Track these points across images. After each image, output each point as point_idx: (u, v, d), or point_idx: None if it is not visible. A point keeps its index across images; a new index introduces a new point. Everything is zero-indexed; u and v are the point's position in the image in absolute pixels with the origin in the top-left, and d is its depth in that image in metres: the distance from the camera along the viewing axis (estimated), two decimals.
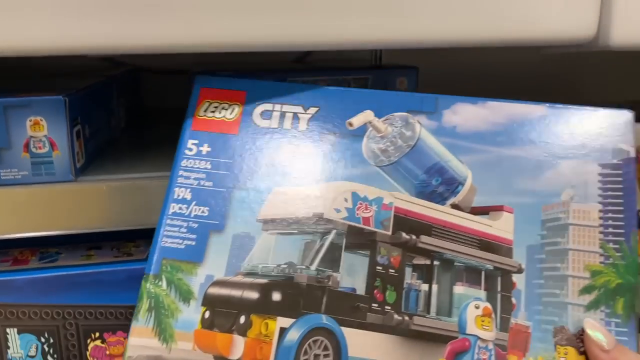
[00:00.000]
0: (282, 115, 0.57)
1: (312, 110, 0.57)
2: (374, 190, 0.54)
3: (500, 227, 0.52)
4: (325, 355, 0.50)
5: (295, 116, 0.57)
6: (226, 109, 0.58)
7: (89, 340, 0.73)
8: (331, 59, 1.10)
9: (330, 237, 0.54)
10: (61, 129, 0.64)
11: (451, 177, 0.54)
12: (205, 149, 0.57)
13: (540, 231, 0.51)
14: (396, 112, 0.56)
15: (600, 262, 0.50)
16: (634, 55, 0.73)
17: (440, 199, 0.54)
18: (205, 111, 0.58)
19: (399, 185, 0.54)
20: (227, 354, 0.51)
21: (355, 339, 0.50)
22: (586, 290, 0.49)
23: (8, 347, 0.69)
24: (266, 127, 0.57)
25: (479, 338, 0.49)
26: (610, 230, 0.50)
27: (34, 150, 0.65)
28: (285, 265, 0.53)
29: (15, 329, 0.69)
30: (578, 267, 0.50)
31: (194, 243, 0.54)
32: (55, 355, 0.70)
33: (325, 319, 0.50)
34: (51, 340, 0.69)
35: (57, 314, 0.69)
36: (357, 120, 0.56)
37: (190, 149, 0.57)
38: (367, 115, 0.56)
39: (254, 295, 0.52)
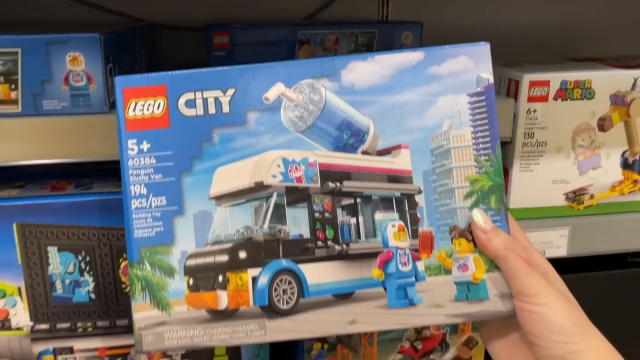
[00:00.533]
0: (205, 101, 0.65)
1: (230, 91, 0.66)
2: (299, 153, 0.66)
3: (401, 162, 0.67)
4: (291, 288, 0.67)
5: (217, 100, 0.65)
6: (152, 105, 0.65)
7: (120, 260, 0.84)
8: (341, 15, 1.11)
9: (273, 199, 0.67)
10: (97, 65, 0.70)
11: (357, 129, 0.67)
12: (145, 146, 0.65)
13: (430, 158, 0.66)
14: (302, 80, 0.66)
15: (476, 172, 0.67)
16: None
17: (352, 149, 0.67)
18: (134, 111, 0.65)
19: (318, 145, 0.67)
20: (215, 307, 0.65)
21: (310, 270, 0.66)
22: (468, 195, 0.67)
23: (49, 264, 0.80)
24: (193, 116, 0.65)
25: (399, 247, 0.67)
26: (481, 146, 0.67)
27: (72, 83, 0.71)
28: (243, 229, 0.67)
29: (55, 247, 0.79)
30: (460, 180, 0.67)
31: (161, 229, 0.65)
32: (91, 272, 0.80)
33: (284, 262, 0.66)
34: (87, 259, 0.80)
35: (92, 235, 0.79)
36: (271, 94, 0.66)
37: (132, 149, 0.65)
38: (279, 88, 0.66)
39: (224, 257, 0.66)
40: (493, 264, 0.62)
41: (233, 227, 0.65)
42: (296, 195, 0.65)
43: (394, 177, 0.67)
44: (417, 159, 0.65)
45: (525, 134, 0.80)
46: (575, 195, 0.85)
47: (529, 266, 0.62)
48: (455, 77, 0.65)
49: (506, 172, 0.82)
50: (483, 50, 0.64)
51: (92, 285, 0.74)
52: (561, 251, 0.83)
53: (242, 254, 0.64)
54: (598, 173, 0.84)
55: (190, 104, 0.64)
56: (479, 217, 0.62)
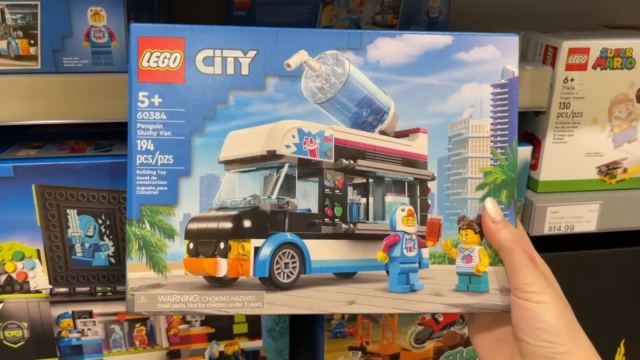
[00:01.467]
0: (224, 60, 0.59)
1: (252, 53, 0.59)
2: (316, 125, 0.61)
3: (418, 146, 0.62)
4: (293, 263, 0.61)
5: (237, 61, 0.59)
6: (168, 58, 0.59)
7: None
8: None
9: (284, 170, 0.61)
10: (119, 20, 0.63)
11: (378, 108, 0.61)
12: (156, 100, 0.59)
13: (447, 145, 0.61)
14: (327, 50, 0.60)
15: (491, 165, 0.62)
16: None
17: (370, 127, 0.62)
18: (148, 62, 0.59)
19: (336, 119, 0.61)
20: (214, 274, 0.60)
21: (314, 246, 0.61)
22: (480, 186, 0.62)
23: (68, 227, 0.73)
24: (210, 74, 0.59)
25: (406, 232, 0.62)
26: (499, 139, 0.62)
27: (94, 39, 0.64)
28: (250, 198, 0.61)
29: (75, 210, 0.72)
30: (475, 170, 0.62)
31: (166, 188, 0.59)
32: (111, 236, 0.75)
33: (289, 236, 0.60)
34: (107, 222, 0.74)
35: (112, 198, 0.73)
36: (293, 61, 0.60)
37: (142, 102, 0.59)
38: (302, 56, 0.60)
39: (228, 225, 0.60)
40: (497, 258, 0.61)
41: (240, 194, 0.59)
42: (308, 168, 0.59)
43: (409, 161, 0.61)
44: (434, 144, 0.59)
45: (560, 104, 0.74)
46: (608, 169, 0.79)
47: (532, 262, 0.60)
48: (481, 65, 0.60)
49: (538, 143, 0.78)
50: (511, 41, 0.59)
51: (112, 249, 0.68)
52: (590, 226, 0.78)
53: (247, 223, 0.58)
54: (633, 146, 0.78)
55: (209, 61, 0.57)
56: (491, 206, 0.57)
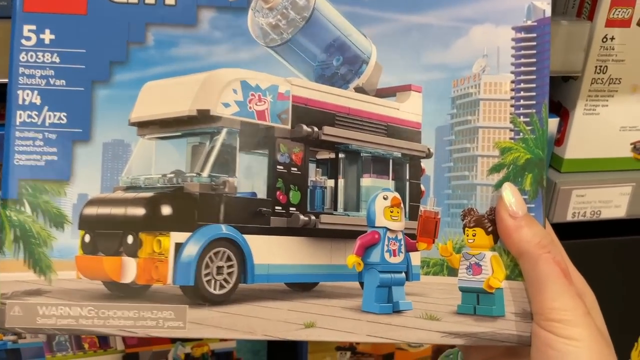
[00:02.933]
0: None
1: None
2: (266, 77, 0.38)
3: (408, 109, 0.38)
4: (230, 267, 0.38)
5: None
6: None
7: None
8: None
9: (221, 138, 0.38)
10: None
11: (354, 55, 0.38)
12: (47, 36, 0.37)
13: (450, 110, 0.39)
14: None
15: (510, 139, 0.38)
16: None
17: (342, 82, 0.38)
18: None
19: (295, 69, 0.39)
20: (117, 278, 0.37)
21: (260, 245, 0.38)
22: (495, 169, 0.39)
23: None
24: (122, 3, 0.36)
25: (388, 229, 0.38)
26: (522, 102, 0.39)
27: None
28: (172, 175, 0.38)
29: None
30: (488, 146, 0.38)
31: (55, 158, 0.37)
32: None
33: (225, 229, 0.38)
34: None
35: None
36: None
37: (28, 38, 0.37)
38: None
39: (139, 211, 0.38)
40: (517, 269, 0.42)
41: (158, 169, 0.36)
42: (255, 136, 0.36)
43: (396, 130, 0.37)
44: (432, 108, 0.36)
45: (596, 67, 0.58)
46: None
47: (564, 277, 0.39)
48: (499, 0, 0.35)
49: (566, 115, 0.62)
50: None
51: None
52: (620, 212, 0.63)
53: (166, 210, 0.36)
54: None
55: None
56: (510, 195, 0.41)
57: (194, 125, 0.42)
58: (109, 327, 0.41)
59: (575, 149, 0.63)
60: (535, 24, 0.43)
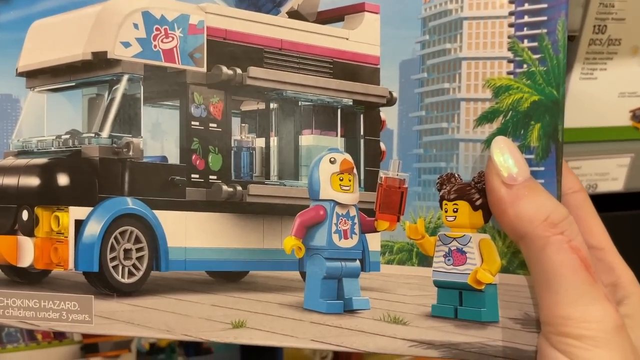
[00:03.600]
0: None
1: None
2: (174, 4, 0.28)
3: (361, 38, 0.26)
4: (139, 249, 0.27)
5: None
6: None
7: None
8: None
9: (121, 87, 0.28)
10: None
11: None
12: None
13: (419, 36, 0.24)
14: None
15: (509, 73, 0.23)
16: None
17: (271, 5, 0.26)
18: None
19: None
20: (13, 261, 0.33)
21: (174, 224, 0.28)
22: (486, 117, 0.25)
23: None
24: None
25: (337, 203, 0.25)
26: (526, 19, 0.24)
27: None
28: (68, 136, 0.29)
29: None
30: (475, 85, 0.25)
31: None
32: None
33: (131, 203, 0.29)
34: None
35: None
36: None
37: None
38: None
39: (33, 181, 0.29)
40: (517, 259, 0.30)
41: (52, 129, 0.26)
42: (162, 83, 0.26)
43: (345, 68, 0.24)
44: (394, 35, 0.22)
45: (595, 27, 0.52)
46: None
47: (586, 270, 0.26)
48: None
49: None
50: None
51: None
52: (617, 185, 0.57)
53: (63, 179, 0.28)
54: None
55: None
56: (501, 153, 0.28)
57: (89, 72, 0.31)
58: (9, 318, 0.33)
59: (570, 116, 0.54)
60: None
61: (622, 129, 0.59)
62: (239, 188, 0.32)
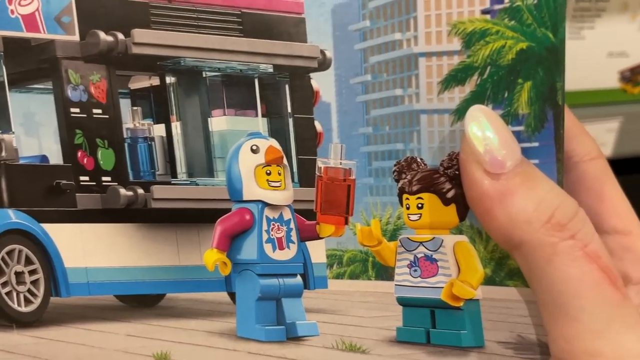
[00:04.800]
0: None
1: None
2: None
3: None
4: (32, 272, 0.20)
5: None
6: None
7: None
8: None
9: None
10: None
11: None
12: None
13: None
14: None
15: (484, 12, 0.14)
16: None
17: None
18: None
19: None
20: None
21: (68, 239, 0.22)
22: (455, 77, 0.16)
23: None
24: None
25: (266, 204, 0.17)
26: None
27: None
28: None
29: None
30: (438, 33, 0.15)
31: None
32: None
33: (14, 216, 0.20)
34: None
35: None
36: None
37: None
38: None
39: None
40: (507, 267, 0.23)
41: None
42: (28, 61, 0.14)
43: (259, 22, 0.13)
44: None
45: None
46: (633, 74, 0.55)
47: (612, 285, 0.19)
48: None
49: None
50: None
51: None
52: (605, 150, 0.54)
53: None
54: None
55: None
56: (476, 129, 0.19)
57: None
58: None
59: None
60: None
61: (610, 92, 0.58)
62: (140, 191, 0.24)
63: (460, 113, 0.22)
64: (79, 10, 0.24)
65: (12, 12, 0.24)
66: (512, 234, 0.20)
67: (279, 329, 0.25)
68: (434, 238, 0.23)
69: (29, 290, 0.28)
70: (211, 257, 0.25)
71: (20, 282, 0.27)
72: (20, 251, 0.27)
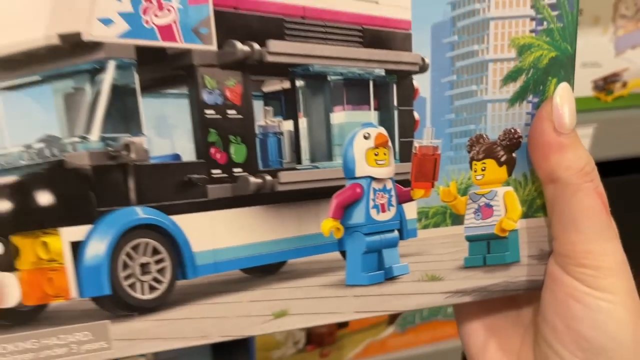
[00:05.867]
0: None
1: None
2: None
3: (392, 1, 0.22)
4: (158, 261, 0.24)
5: None
6: None
7: None
8: None
9: (108, 77, 0.22)
10: None
11: None
12: None
13: None
14: None
15: (531, 31, 0.24)
16: None
17: None
18: None
19: None
20: None
21: (198, 227, 0.26)
22: (511, 76, 0.26)
23: None
24: None
25: (373, 179, 0.25)
26: None
27: None
28: (42, 144, 0.23)
29: None
30: (502, 45, 0.25)
31: None
32: None
33: (142, 212, 0.24)
34: None
35: None
36: None
37: None
38: None
39: (3, 206, 0.21)
40: (535, 204, 0.32)
41: (17, 137, 0.17)
42: (163, 67, 0.19)
43: (376, 36, 0.21)
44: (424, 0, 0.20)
45: None
46: (606, 83, 0.60)
47: (607, 213, 0.30)
48: None
49: None
50: None
51: None
52: None
53: (44, 198, 0.23)
54: (638, 53, 0.60)
55: None
56: (562, 100, 0.29)
57: (59, 60, 0.24)
58: None
59: None
60: None
61: (585, 100, 0.60)
62: (268, 178, 0.29)
63: (512, 101, 0.32)
64: (218, 23, 0.27)
65: (147, 22, 0.27)
66: (556, 172, 0.30)
67: (379, 274, 0.33)
68: (491, 191, 0.33)
69: (154, 279, 0.31)
70: (328, 225, 0.31)
71: (145, 272, 0.30)
72: (147, 244, 0.30)
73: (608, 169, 0.59)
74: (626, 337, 0.28)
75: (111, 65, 0.26)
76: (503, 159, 0.31)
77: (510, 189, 0.32)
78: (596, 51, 0.58)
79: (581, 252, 0.29)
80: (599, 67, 0.59)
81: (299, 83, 0.29)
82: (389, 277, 0.32)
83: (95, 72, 0.26)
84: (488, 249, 0.33)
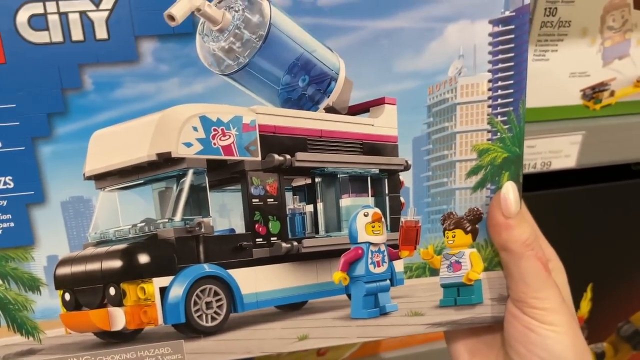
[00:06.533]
0: (65, 19, 0.30)
1: (108, 3, 0.30)
2: (227, 108, 0.34)
3: (383, 123, 0.36)
4: (218, 300, 0.37)
5: (86, 18, 0.30)
6: None
7: None
8: None
9: (188, 180, 0.35)
10: None
11: (320, 73, 0.34)
12: None
13: (426, 119, 0.36)
14: None
15: (488, 140, 0.36)
16: None
17: (311, 103, 0.35)
18: None
19: (258, 96, 0.34)
20: (107, 327, 0.37)
21: (245, 277, 0.38)
22: (473, 171, 0.38)
23: None
24: (46, 44, 0.30)
25: (371, 243, 0.38)
26: (499, 101, 0.37)
27: None
28: (143, 224, 0.36)
29: None
30: (465, 150, 0.37)
31: (12, 224, 0.34)
32: None
33: (207, 268, 0.37)
34: None
35: None
36: (179, 10, 0.31)
37: None
38: (193, 0, 0.31)
39: (116, 263, 0.36)
40: (494, 261, 0.43)
41: (127, 219, 0.33)
42: (224, 173, 0.34)
43: (372, 147, 0.35)
44: (407, 120, 0.34)
45: (546, 10, 0.53)
46: (594, 92, 0.61)
47: (546, 270, 0.40)
48: None
49: None
50: None
51: None
52: (570, 161, 0.60)
53: (144, 258, 0.34)
54: (624, 64, 0.60)
55: (39, 22, 0.27)
56: (511, 195, 0.39)
57: (156, 170, 0.37)
58: None
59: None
60: (514, 14, 0.38)
61: (574, 108, 0.59)
62: (295, 243, 0.42)
63: (474, 189, 0.44)
64: (262, 143, 0.40)
65: (215, 144, 0.40)
66: (506, 244, 0.41)
67: (375, 310, 0.45)
68: (459, 251, 0.46)
69: (214, 312, 0.44)
70: (337, 276, 0.44)
71: (209, 307, 0.44)
72: (210, 288, 0.43)
73: (596, 175, 0.63)
74: (569, 355, 0.40)
75: (190, 172, 0.39)
76: (469, 229, 0.43)
77: (474, 250, 0.44)
78: (584, 61, 0.58)
79: (531, 298, 0.41)
80: (587, 77, 0.58)
81: (318, 179, 0.42)
82: (383, 313, 0.44)
83: (179, 177, 0.39)
84: (458, 293, 0.45)
